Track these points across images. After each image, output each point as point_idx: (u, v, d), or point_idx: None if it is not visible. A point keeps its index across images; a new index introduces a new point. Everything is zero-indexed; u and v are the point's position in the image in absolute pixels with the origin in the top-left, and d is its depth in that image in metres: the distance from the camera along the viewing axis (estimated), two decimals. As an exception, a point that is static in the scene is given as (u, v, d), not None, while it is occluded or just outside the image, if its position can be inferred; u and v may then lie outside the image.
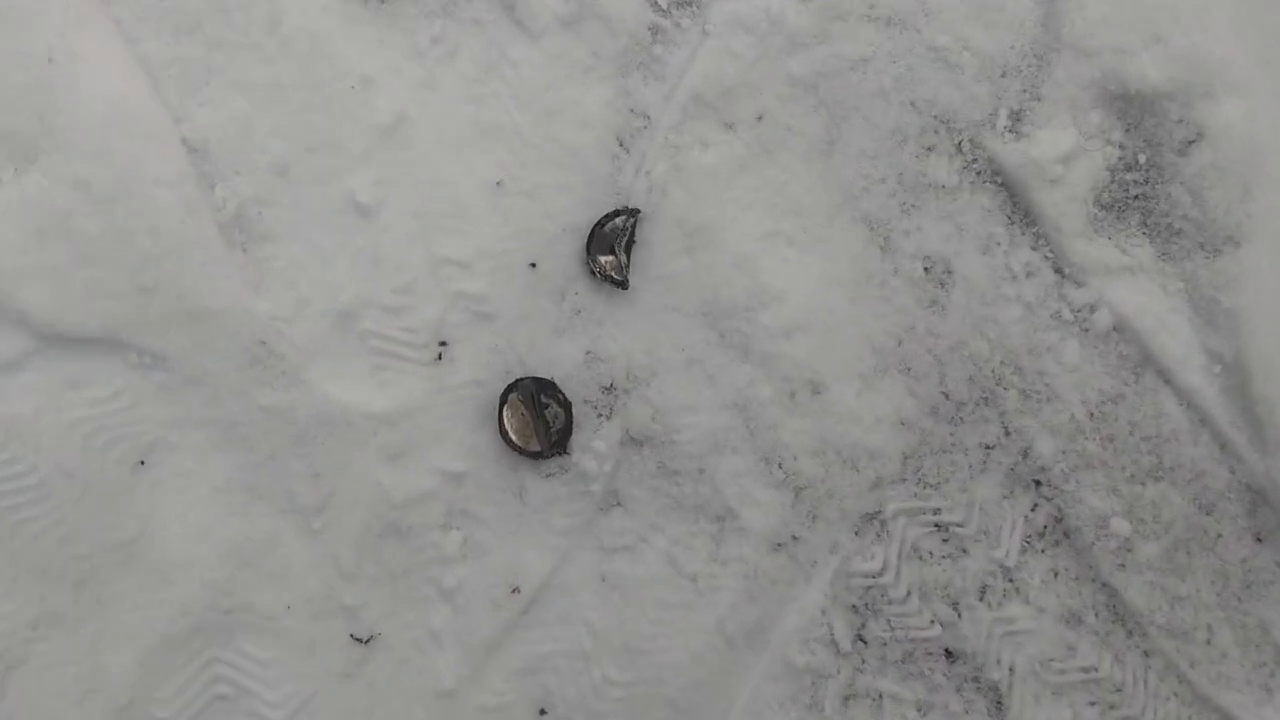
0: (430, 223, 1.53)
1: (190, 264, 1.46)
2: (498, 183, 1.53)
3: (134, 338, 1.46)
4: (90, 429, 1.45)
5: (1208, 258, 1.53)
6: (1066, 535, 1.52)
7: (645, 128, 1.57)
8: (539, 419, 1.49)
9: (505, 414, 1.50)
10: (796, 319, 1.53)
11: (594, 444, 1.51)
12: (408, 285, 1.52)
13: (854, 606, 1.51)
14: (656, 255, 1.54)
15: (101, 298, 1.44)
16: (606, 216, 1.52)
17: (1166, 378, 1.53)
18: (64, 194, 1.44)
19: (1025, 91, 1.58)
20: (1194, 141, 1.55)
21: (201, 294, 1.46)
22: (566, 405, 1.50)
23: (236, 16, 1.52)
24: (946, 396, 1.53)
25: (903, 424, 1.52)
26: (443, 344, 1.51)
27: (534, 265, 1.52)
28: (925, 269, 1.56)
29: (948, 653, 1.51)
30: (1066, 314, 1.54)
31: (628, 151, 1.58)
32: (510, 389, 1.50)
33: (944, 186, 1.57)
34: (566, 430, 1.50)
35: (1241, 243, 1.52)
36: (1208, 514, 1.51)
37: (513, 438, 1.49)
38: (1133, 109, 1.57)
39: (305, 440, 1.47)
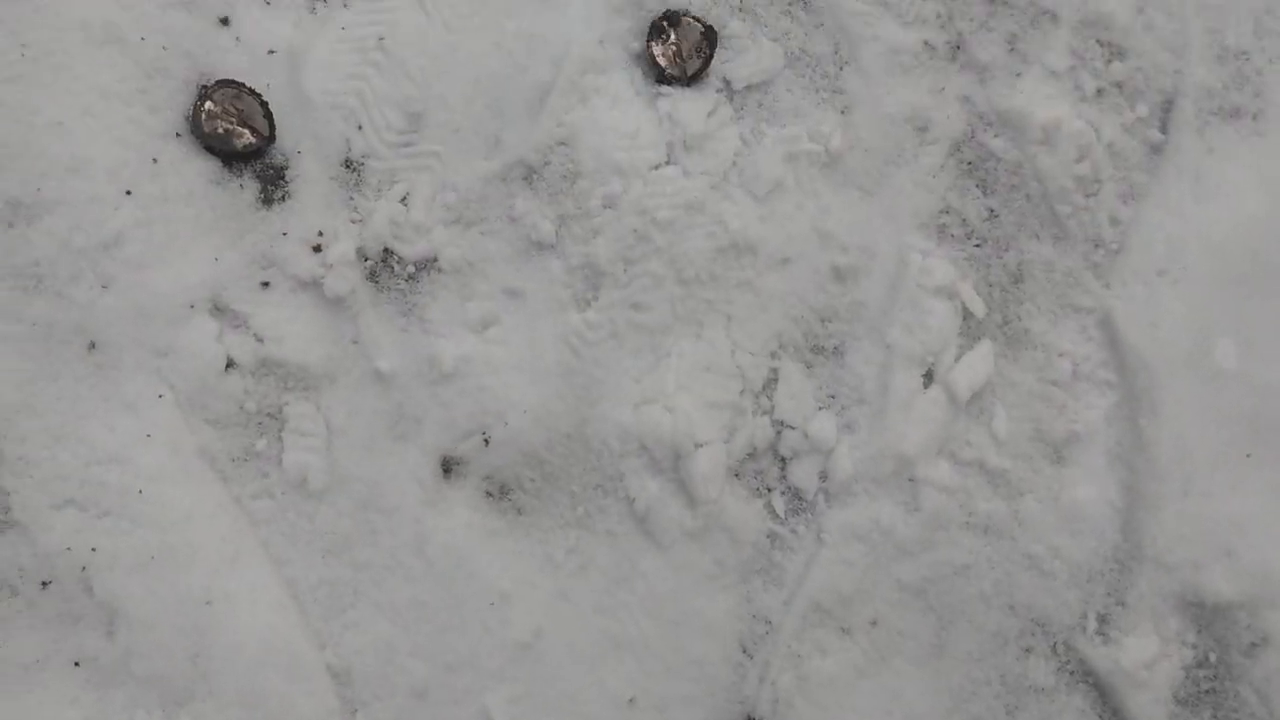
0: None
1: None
2: (630, 700, 1.58)
3: None
4: None
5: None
6: None
7: (767, 634, 1.65)
8: None
9: None
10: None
11: None
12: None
13: None
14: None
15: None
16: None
17: None
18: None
19: (1110, 596, 1.73)
20: (1258, 645, 1.71)
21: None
22: None
23: (385, 538, 1.57)
24: None
25: None
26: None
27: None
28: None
29: None
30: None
31: (751, 658, 1.65)
32: None
33: (1042, 689, 1.68)
34: None
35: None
36: None
37: None
38: (1206, 614, 1.72)
39: None
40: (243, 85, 1.64)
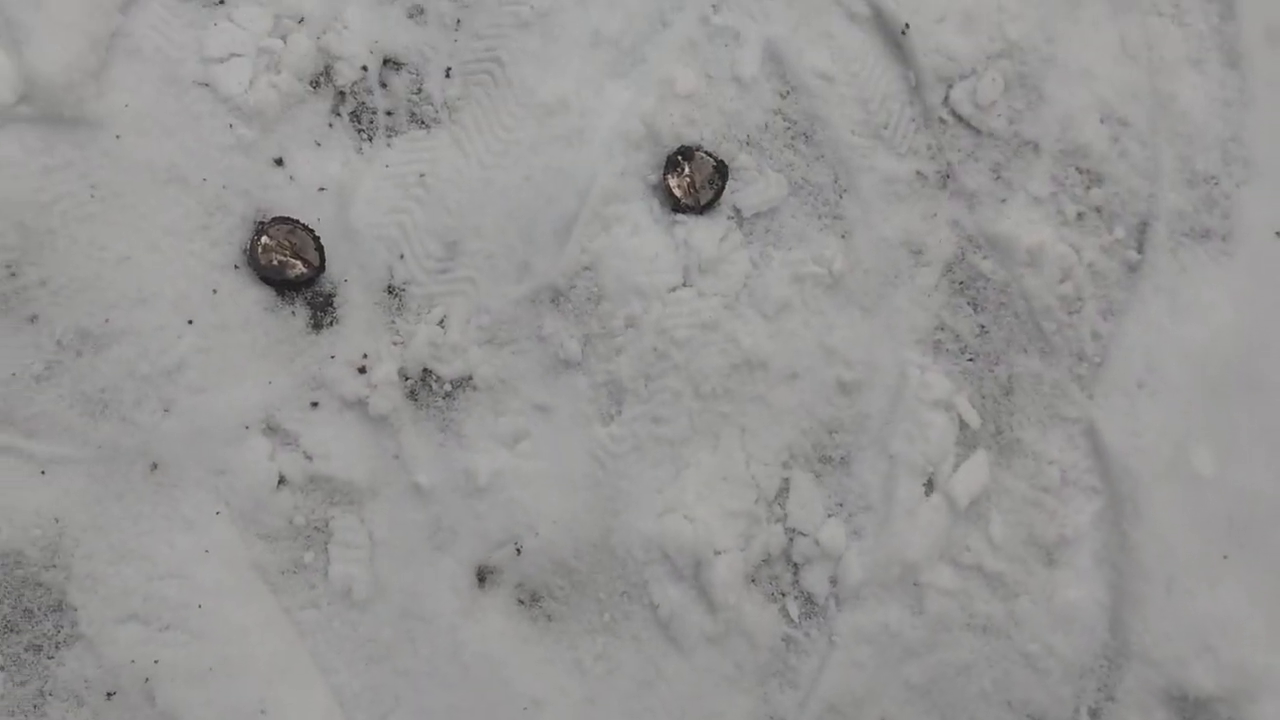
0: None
1: None
2: (657, 800, 1.68)
3: None
4: None
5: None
6: None
7: (782, 734, 1.76)
8: None
9: None
10: None
11: None
12: None
13: None
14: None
15: None
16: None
17: None
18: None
19: (1100, 691, 1.84)
20: (1242, 736, 1.82)
21: None
22: None
23: (423, 645, 1.67)
24: None
25: None
26: None
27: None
28: None
29: None
30: None
31: (772, 759, 1.76)
32: None
33: (1041, 782, 1.79)
34: None
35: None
36: None
37: None
38: (1189, 708, 1.83)
39: None
40: (296, 221, 1.78)
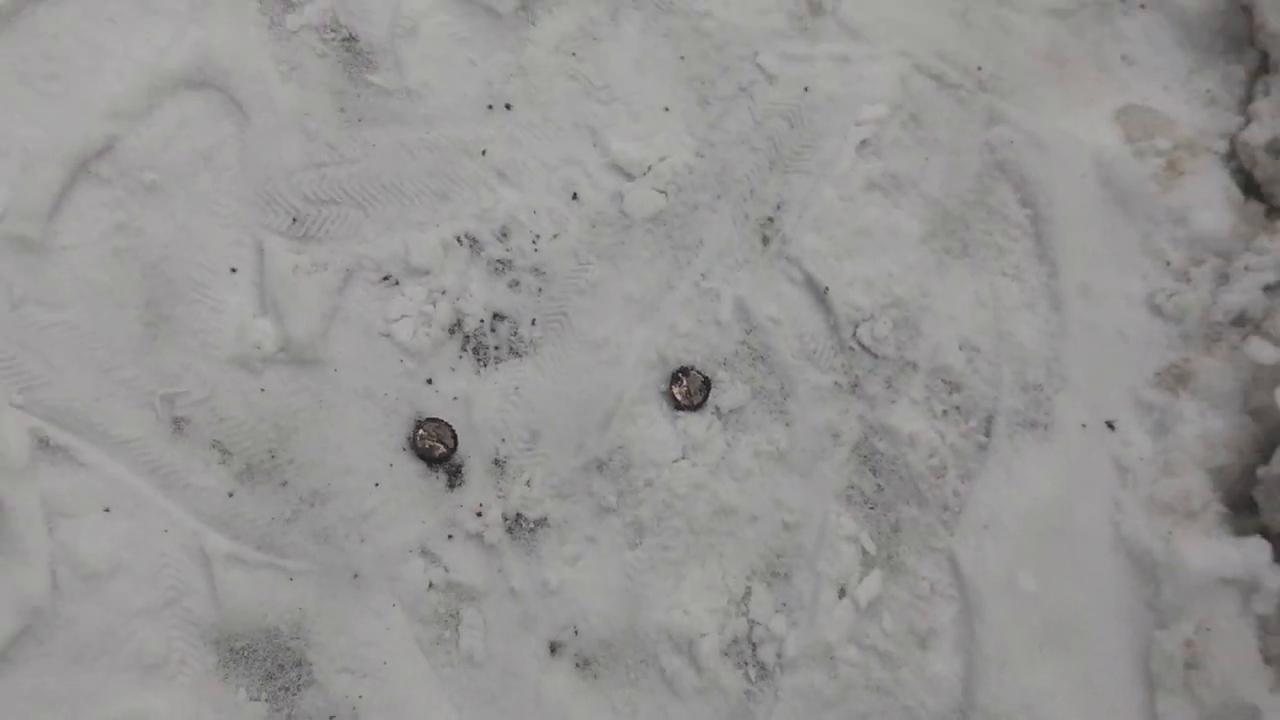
0: None
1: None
2: (661, 795, 2.60)
3: None
4: None
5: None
6: None
7: (743, 755, 2.68)
8: None
9: None
10: None
11: None
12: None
13: None
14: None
15: None
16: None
17: None
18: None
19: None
20: (1054, 767, 2.70)
21: None
22: None
23: (515, 694, 2.65)
24: None
25: None
26: None
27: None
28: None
29: None
30: None
31: (734, 772, 2.67)
32: None
33: (915, 794, 2.68)
34: None
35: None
36: None
37: None
38: (1018, 746, 2.73)
39: None
40: (440, 419, 2.82)
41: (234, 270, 2.75)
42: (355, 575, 2.67)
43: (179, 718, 2.48)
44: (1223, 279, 3.11)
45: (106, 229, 2.67)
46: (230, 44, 2.83)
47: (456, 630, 2.69)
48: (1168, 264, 3.16)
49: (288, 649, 2.61)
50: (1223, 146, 3.27)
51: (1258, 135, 3.20)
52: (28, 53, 2.70)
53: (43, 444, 2.53)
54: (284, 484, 2.68)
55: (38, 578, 2.44)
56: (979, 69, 3.25)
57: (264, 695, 2.58)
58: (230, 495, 2.64)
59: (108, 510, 2.55)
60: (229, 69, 2.82)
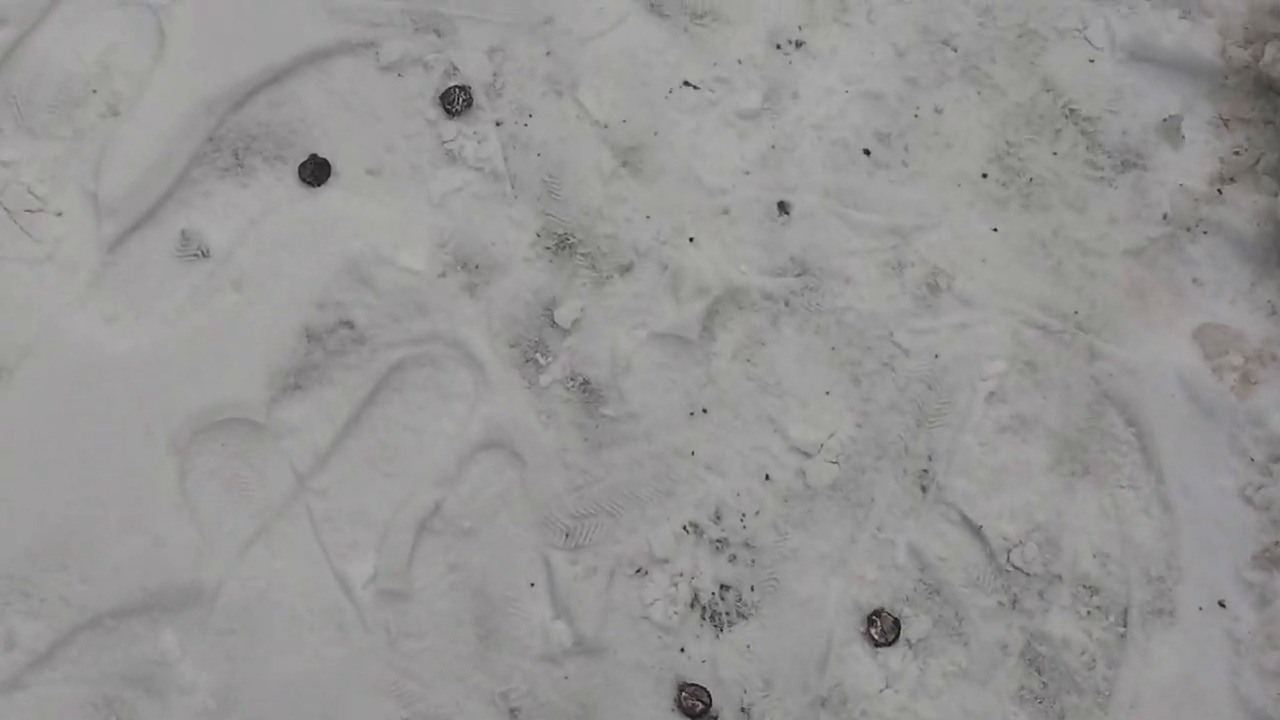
0: None
1: None
2: None
3: None
4: None
5: None
6: None
7: None
8: None
9: None
10: None
11: None
12: None
13: None
14: None
15: None
16: None
17: None
18: None
19: None
20: None
21: None
22: None
23: None
24: None
25: None
26: None
27: None
28: None
29: None
30: None
31: None
32: None
33: None
34: None
35: None
36: None
37: None
38: None
39: None
40: (696, 683, 3.60)
41: (532, 584, 3.57)
42: None
43: None
44: (1301, 472, 3.78)
45: (442, 569, 3.54)
46: (506, 409, 3.65)
47: None
48: (1252, 460, 3.84)
49: None
50: (1287, 350, 3.91)
51: (1316, 341, 3.84)
52: (370, 444, 3.57)
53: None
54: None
55: None
56: (1075, 313, 3.94)
57: None
58: (554, 767, 3.48)
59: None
60: (507, 428, 3.62)
